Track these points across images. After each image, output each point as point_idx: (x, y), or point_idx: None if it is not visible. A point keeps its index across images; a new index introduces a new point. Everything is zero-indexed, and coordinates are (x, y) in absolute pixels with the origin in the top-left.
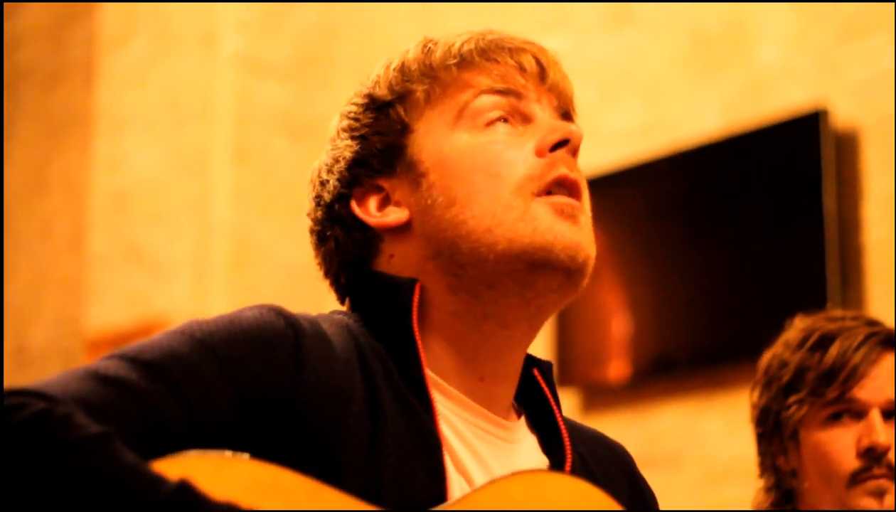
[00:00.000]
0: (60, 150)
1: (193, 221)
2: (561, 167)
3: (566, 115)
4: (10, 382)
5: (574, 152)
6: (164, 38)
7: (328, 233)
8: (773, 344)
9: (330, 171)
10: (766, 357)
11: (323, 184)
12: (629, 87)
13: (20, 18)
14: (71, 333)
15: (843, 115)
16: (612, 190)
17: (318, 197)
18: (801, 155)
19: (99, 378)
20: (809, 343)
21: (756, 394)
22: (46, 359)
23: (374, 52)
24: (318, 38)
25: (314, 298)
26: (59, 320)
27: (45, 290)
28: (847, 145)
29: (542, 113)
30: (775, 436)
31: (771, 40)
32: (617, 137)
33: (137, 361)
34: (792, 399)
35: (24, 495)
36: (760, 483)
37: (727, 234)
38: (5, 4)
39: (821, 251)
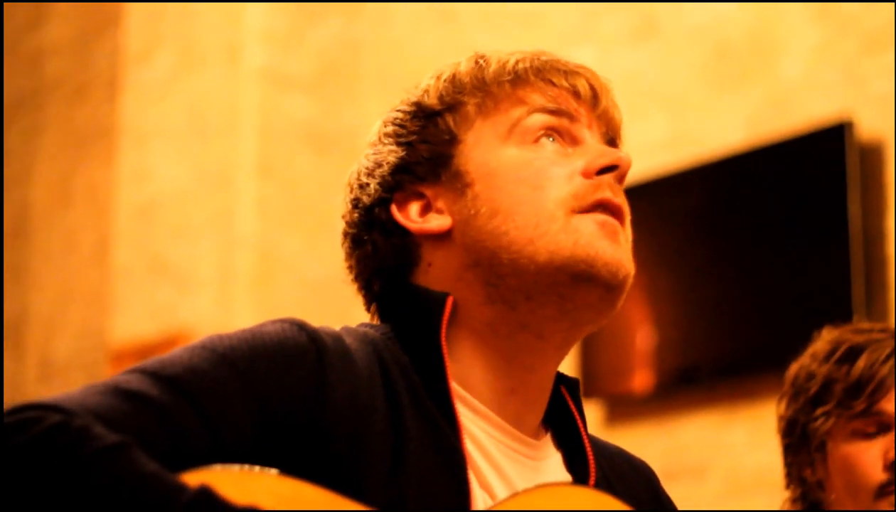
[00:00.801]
0: (85, 163)
1: (218, 234)
2: (606, 190)
3: (612, 142)
4: (35, 393)
5: (620, 179)
6: (189, 51)
7: (365, 237)
8: (801, 355)
9: (371, 174)
10: (794, 368)
11: (362, 187)
12: (654, 100)
13: (46, 32)
14: (95, 345)
15: (867, 127)
16: (637, 202)
17: (357, 200)
18: (826, 167)
19: (119, 392)
20: (837, 355)
21: (783, 405)
22: (71, 371)
23: (399, 66)
24: (342, 51)
25: (339, 310)
26: (83, 332)
27: (69, 302)
28: (872, 157)
29: (591, 138)
30: (802, 447)
31: (795, 53)
32: (641, 150)
33: (158, 375)
34: (819, 411)
35: (45, 509)
36: (786, 494)
37: (752, 246)
38: (30, 18)
39: (846, 263)
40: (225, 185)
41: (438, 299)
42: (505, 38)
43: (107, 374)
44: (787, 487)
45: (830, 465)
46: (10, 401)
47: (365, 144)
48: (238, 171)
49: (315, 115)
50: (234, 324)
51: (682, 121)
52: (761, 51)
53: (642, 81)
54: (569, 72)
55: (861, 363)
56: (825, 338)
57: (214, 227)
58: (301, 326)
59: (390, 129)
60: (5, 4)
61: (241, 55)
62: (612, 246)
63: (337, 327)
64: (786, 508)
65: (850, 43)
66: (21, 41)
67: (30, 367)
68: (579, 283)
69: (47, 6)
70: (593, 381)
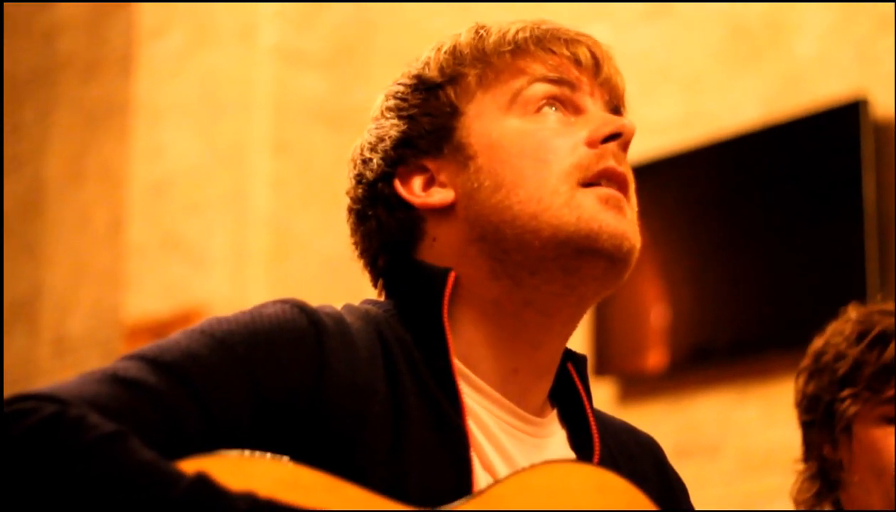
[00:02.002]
0: (99, 140)
1: (232, 212)
2: (610, 159)
3: (616, 110)
4: (49, 370)
5: (624, 147)
6: (203, 29)
7: (369, 212)
8: (825, 332)
9: (373, 149)
10: (818, 344)
11: (365, 162)
12: (668, 79)
13: (59, 9)
14: (109, 322)
15: (881, 105)
16: (651, 181)
17: (360, 175)
18: (841, 145)
19: (116, 380)
20: (868, 339)
21: (804, 380)
22: (85, 348)
23: (412, 44)
24: (355, 29)
25: (353, 287)
26: (97, 310)
27: (83, 279)
28: (886, 135)
29: (594, 106)
30: (825, 425)
31: (809, 32)
32: (656, 129)
33: (156, 362)
34: (847, 392)
35: (43, 500)
36: (801, 470)
37: (766, 224)
38: None
39: (860, 240)
40: (238, 162)
41: (440, 275)
42: (517, 18)
43: (121, 351)
44: (805, 462)
45: (856, 447)
46: (24, 377)
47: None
48: (252, 149)
49: (329, 92)
50: (248, 301)
51: (696, 99)
52: (775, 30)
53: (656, 60)
54: (569, 40)
55: (892, 349)
56: (854, 318)
57: (228, 205)
58: (301, 308)
59: (392, 103)
60: None
61: (256, 32)
62: (617, 218)
63: (341, 305)
64: (802, 484)
65: (864, 22)
66: (34, 18)
67: (44, 344)
68: (584, 256)
69: None
70: (607, 359)
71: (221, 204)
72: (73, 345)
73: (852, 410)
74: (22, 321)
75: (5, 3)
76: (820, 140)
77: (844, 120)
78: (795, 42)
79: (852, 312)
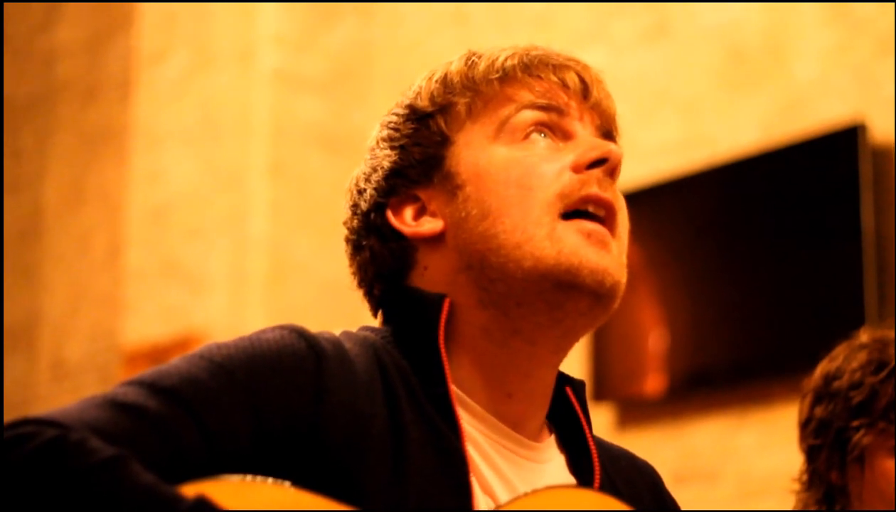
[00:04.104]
0: (98, 164)
1: (230, 236)
2: (593, 186)
3: (608, 134)
4: (47, 395)
5: (612, 172)
6: (202, 53)
7: (364, 242)
8: (835, 355)
9: (367, 180)
10: (830, 368)
11: (360, 192)
12: (666, 102)
13: (58, 33)
14: (108, 347)
15: (880, 129)
16: (649, 205)
17: (355, 206)
18: (839, 170)
19: (116, 405)
20: (887, 370)
21: (811, 402)
22: (83, 373)
23: (411, 67)
24: (355, 53)
25: (351, 312)
26: (96, 334)
27: (82, 304)
28: (884, 160)
29: (584, 131)
30: (835, 452)
31: (808, 55)
32: (654, 152)
33: (155, 387)
34: (861, 422)
35: None
36: (801, 494)
37: (764, 249)
38: (42, 19)
39: (858, 266)
40: (237, 186)
41: (435, 301)
42: (517, 40)
43: (119, 376)
44: (808, 488)
45: (867, 476)
46: (23, 402)
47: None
48: (250, 173)
49: (328, 116)
50: (247, 325)
51: (694, 123)
52: (774, 53)
53: (654, 83)
54: (557, 65)
55: None
56: (868, 344)
57: (227, 229)
58: (300, 334)
59: (385, 133)
60: (17, 5)
61: (255, 56)
62: (599, 253)
63: (339, 331)
64: (802, 505)
65: (863, 45)
66: (33, 42)
67: (42, 369)
68: (565, 291)
69: (59, 7)
70: (605, 384)
71: (220, 228)
72: (71, 370)
73: (866, 440)
74: (20, 346)
75: (5, 28)
76: (818, 164)
77: (843, 144)
78: (794, 65)
79: (864, 337)
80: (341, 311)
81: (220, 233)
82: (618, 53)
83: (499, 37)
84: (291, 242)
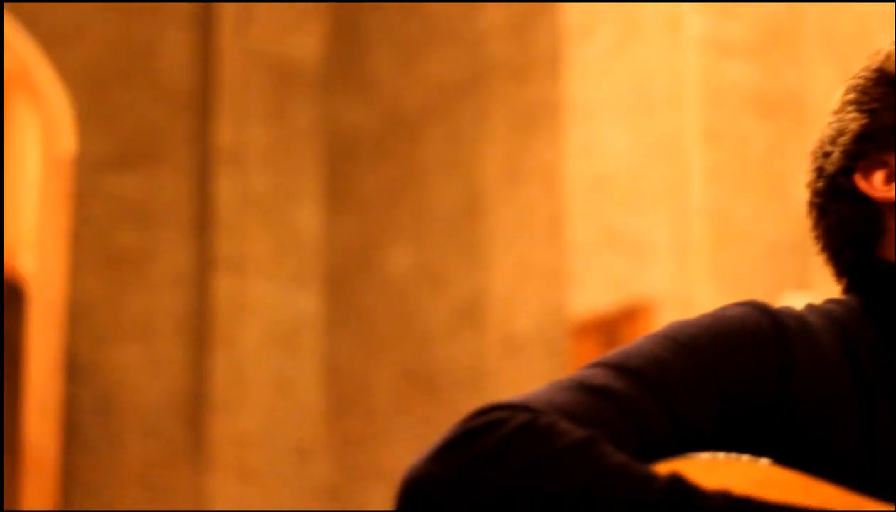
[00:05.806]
0: (533, 141)
1: (670, 204)
2: None
3: None
4: (499, 370)
5: None
6: (629, 25)
7: (830, 206)
8: None
9: (833, 143)
10: None
11: (826, 156)
12: None
13: (485, 17)
14: (555, 320)
15: None
16: None
17: (821, 169)
18: None
19: (584, 388)
20: None
21: None
22: (532, 347)
23: (843, 26)
24: (781, 14)
25: (795, 275)
26: (542, 308)
27: (528, 278)
28: None
29: None
30: None
31: None
32: None
33: (622, 368)
34: None
35: (521, 504)
36: None
37: None
38: (467, 6)
39: None
40: (673, 154)
41: None
42: None
43: (568, 349)
44: None
45: None
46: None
47: (811, 106)
48: (685, 140)
49: (759, 79)
50: (692, 293)
51: None
52: None
53: None
54: None
55: None
56: None
57: (666, 198)
58: (764, 310)
59: (852, 96)
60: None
61: (681, 25)
62: None
63: (799, 307)
64: None
65: None
66: (461, 28)
67: (491, 344)
68: None
69: None
70: None
71: (659, 197)
72: (520, 344)
73: None
74: (468, 322)
75: (433, 16)
76: None
77: None
78: None
79: None
80: (786, 274)
81: (660, 201)
82: None
83: None
84: (731, 208)
